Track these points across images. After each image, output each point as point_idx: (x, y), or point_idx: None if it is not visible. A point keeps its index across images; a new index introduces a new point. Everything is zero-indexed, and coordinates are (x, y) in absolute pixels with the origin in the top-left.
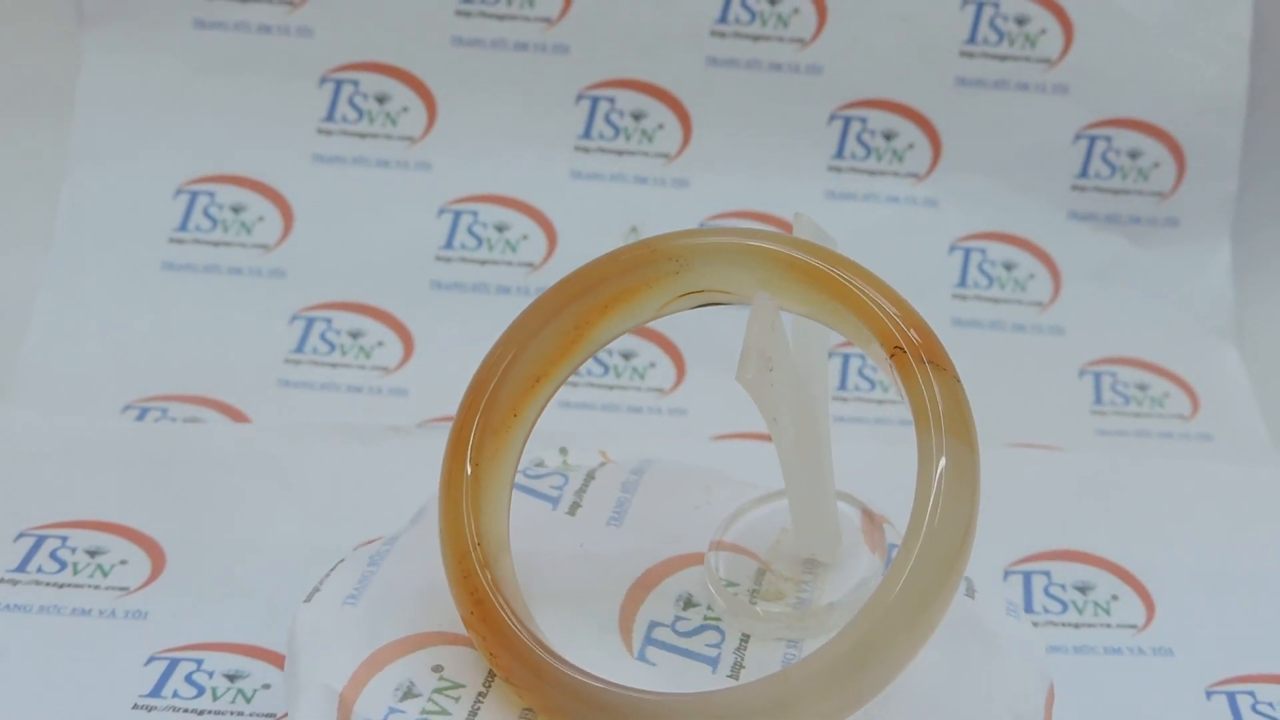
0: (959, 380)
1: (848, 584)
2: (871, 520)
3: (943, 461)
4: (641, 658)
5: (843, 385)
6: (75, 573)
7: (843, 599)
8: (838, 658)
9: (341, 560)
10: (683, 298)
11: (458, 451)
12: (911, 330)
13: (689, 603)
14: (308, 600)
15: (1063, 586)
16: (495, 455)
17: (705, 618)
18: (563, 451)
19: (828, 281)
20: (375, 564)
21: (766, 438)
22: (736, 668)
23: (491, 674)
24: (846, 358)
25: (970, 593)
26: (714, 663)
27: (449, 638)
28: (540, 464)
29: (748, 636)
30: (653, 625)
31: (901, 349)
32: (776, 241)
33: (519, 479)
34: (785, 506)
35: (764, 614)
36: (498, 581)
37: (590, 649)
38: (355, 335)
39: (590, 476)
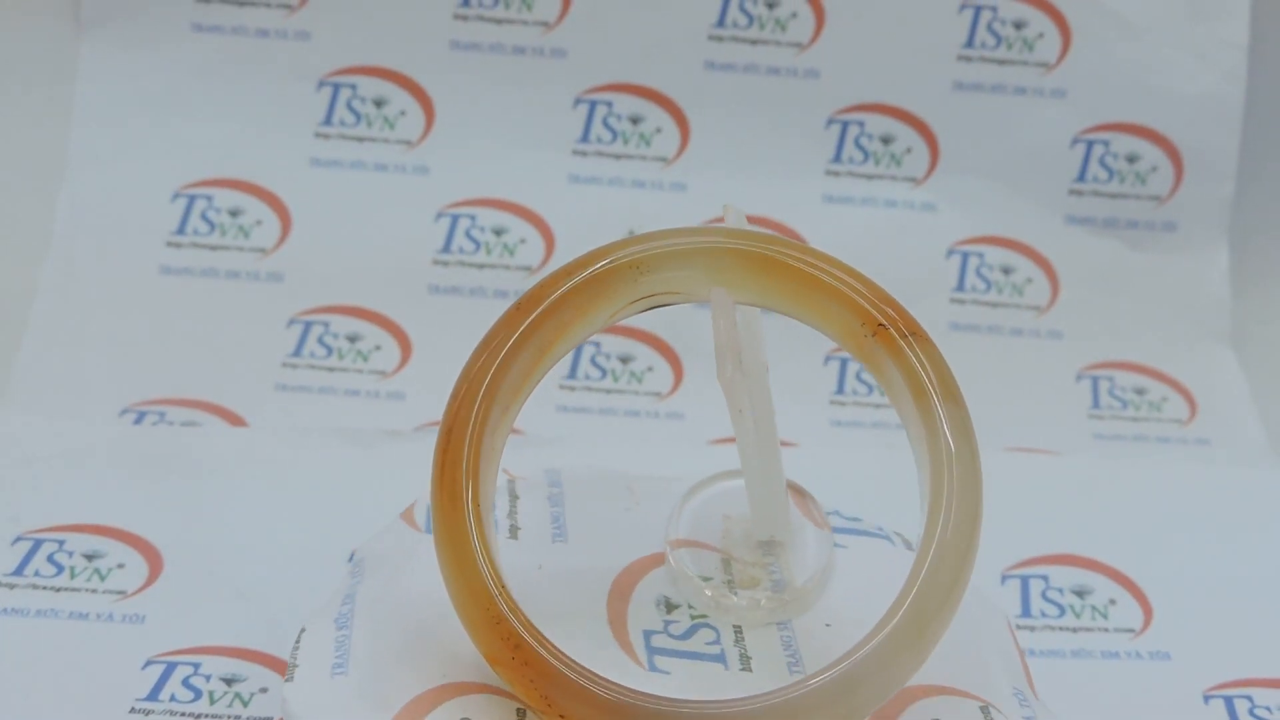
0: (936, 345)
1: (810, 560)
2: (801, 495)
3: (950, 446)
4: (654, 668)
5: (840, 390)
6: (72, 576)
7: (815, 575)
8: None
9: (303, 630)
10: (634, 303)
11: (454, 496)
12: (887, 307)
13: (670, 605)
14: (289, 679)
15: (1060, 590)
16: (485, 492)
17: (693, 617)
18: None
19: (792, 271)
20: (344, 626)
21: None
22: (745, 659)
23: (521, 712)
24: (844, 362)
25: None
26: (722, 660)
27: (462, 688)
28: None
29: (739, 627)
30: (648, 634)
31: (884, 325)
32: (730, 237)
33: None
34: (716, 495)
35: (749, 602)
36: (530, 621)
37: (604, 669)
38: (353, 339)
39: (514, 496)
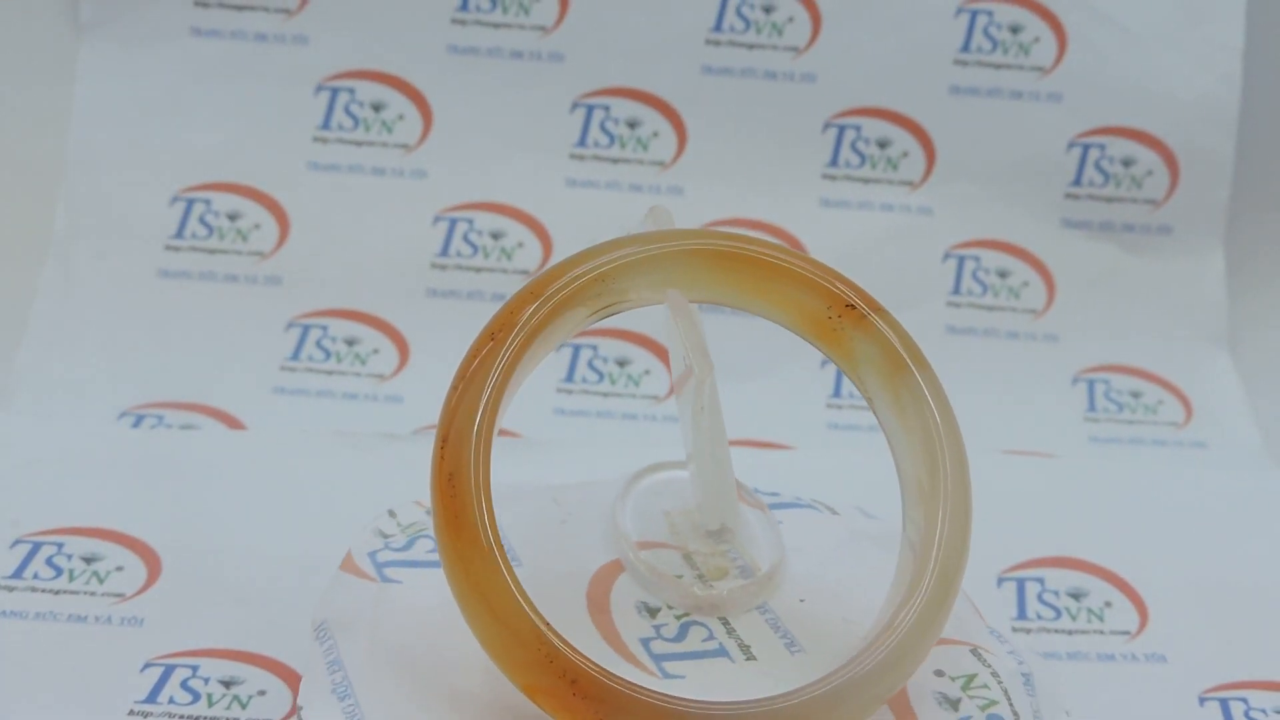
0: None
1: (761, 540)
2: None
3: (936, 418)
4: (667, 674)
5: (837, 393)
6: (71, 579)
7: (775, 554)
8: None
9: (300, 708)
10: (595, 314)
11: (474, 542)
12: (848, 287)
13: (651, 609)
14: None
15: (1056, 593)
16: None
17: (677, 617)
18: (392, 514)
19: (751, 263)
20: (347, 696)
21: (761, 444)
22: (745, 649)
23: None
24: None
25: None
26: (725, 654)
27: None
28: (384, 533)
29: (724, 619)
30: (645, 642)
31: (852, 305)
32: (684, 238)
33: (386, 556)
34: (647, 492)
35: (728, 593)
36: (580, 650)
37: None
38: (351, 342)
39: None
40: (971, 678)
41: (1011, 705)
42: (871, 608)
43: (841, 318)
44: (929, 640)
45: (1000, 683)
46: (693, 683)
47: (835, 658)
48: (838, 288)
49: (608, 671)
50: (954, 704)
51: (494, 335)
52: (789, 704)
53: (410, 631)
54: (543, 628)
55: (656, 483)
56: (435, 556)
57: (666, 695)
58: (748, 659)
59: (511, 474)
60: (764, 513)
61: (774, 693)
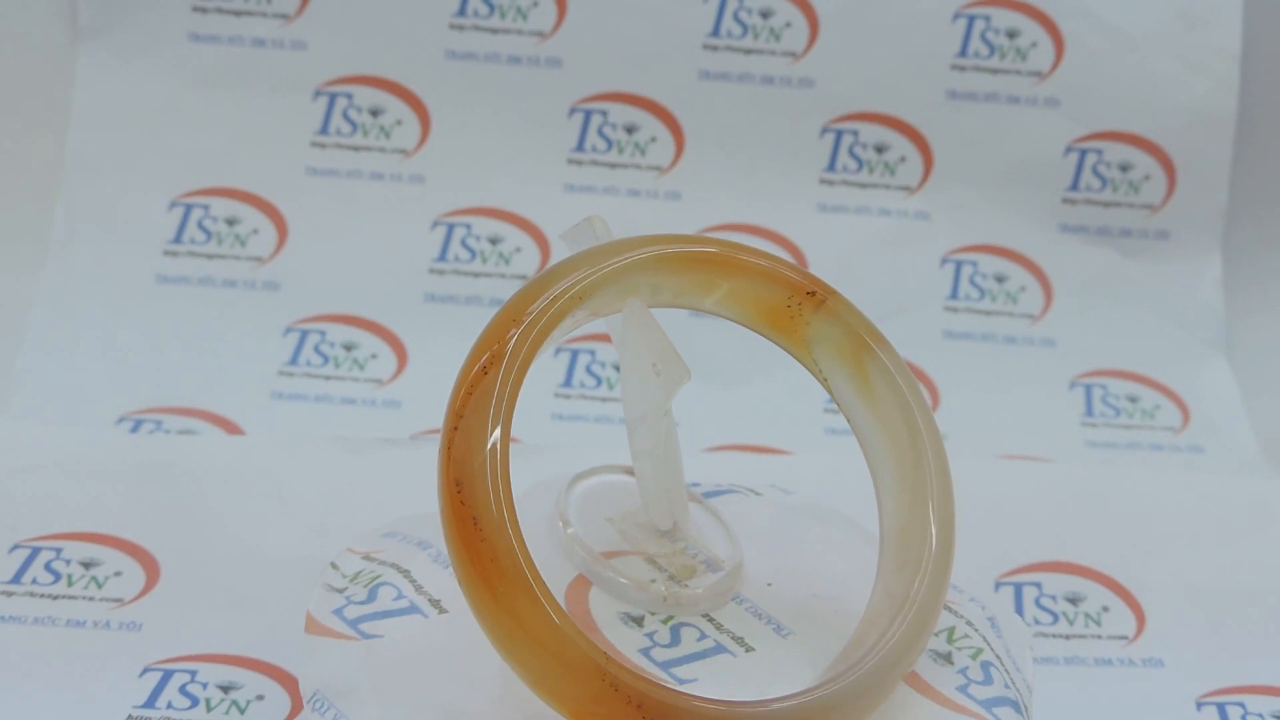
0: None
1: (711, 532)
2: None
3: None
4: (681, 680)
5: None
6: (70, 584)
7: (737, 546)
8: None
9: None
10: (572, 329)
11: (516, 579)
12: (804, 276)
13: (634, 619)
14: None
15: (1054, 598)
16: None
17: (663, 621)
18: (334, 567)
19: (710, 262)
20: None
21: (759, 449)
22: (740, 641)
23: None
24: None
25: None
26: (725, 650)
27: None
28: (335, 588)
29: (707, 615)
30: (644, 652)
31: (814, 291)
32: (645, 245)
33: (354, 611)
34: (581, 501)
35: (706, 590)
36: (641, 672)
37: None
38: (349, 348)
39: (399, 569)
40: (951, 630)
41: (993, 650)
42: (833, 580)
43: (801, 305)
44: (938, 609)
45: (977, 630)
46: (708, 683)
47: (825, 634)
48: (796, 276)
49: (670, 689)
50: (947, 658)
51: (487, 369)
52: (842, 686)
53: (420, 685)
54: (601, 659)
55: (586, 492)
56: (403, 603)
57: (729, 702)
58: (747, 650)
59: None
60: (701, 504)
61: (785, 679)
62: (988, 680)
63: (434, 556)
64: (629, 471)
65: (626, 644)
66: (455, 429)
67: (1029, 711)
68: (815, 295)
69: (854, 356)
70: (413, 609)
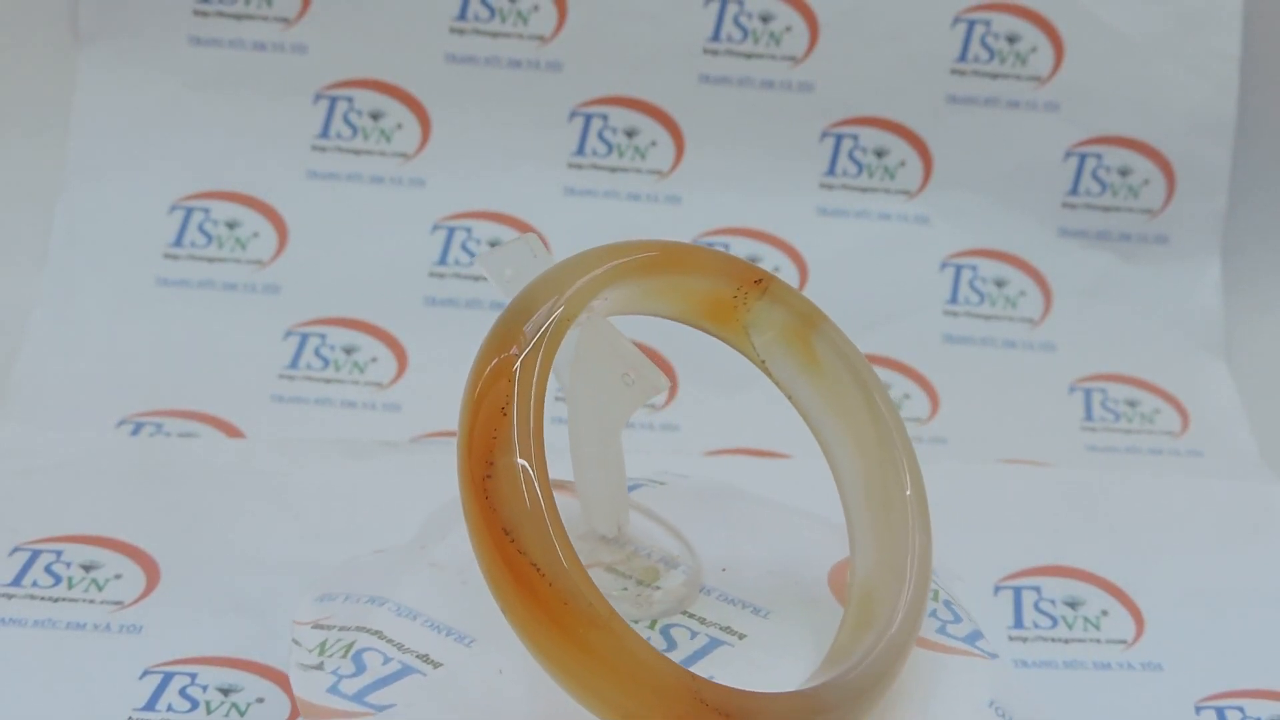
0: None
1: (650, 528)
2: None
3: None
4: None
5: None
6: (70, 587)
7: (685, 539)
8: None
9: None
10: None
11: (588, 615)
12: (747, 266)
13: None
14: None
15: (1053, 602)
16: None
17: (650, 626)
18: (297, 643)
19: (658, 265)
20: None
21: (758, 453)
22: (729, 631)
23: None
24: None
25: None
26: (720, 643)
27: None
28: (312, 666)
29: (688, 613)
30: None
31: (761, 280)
32: (605, 258)
33: (351, 685)
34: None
35: (676, 590)
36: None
37: None
38: (349, 351)
39: (368, 630)
40: None
41: (945, 590)
42: (779, 555)
43: (747, 294)
44: (931, 557)
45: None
46: (726, 678)
47: (801, 608)
48: (741, 267)
49: (744, 693)
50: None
51: (505, 410)
52: (883, 648)
53: None
54: (687, 678)
55: None
56: (394, 666)
57: (788, 693)
58: (740, 638)
59: None
60: (632, 503)
61: (790, 657)
62: (957, 619)
63: (395, 610)
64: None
65: None
66: (488, 477)
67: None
68: (761, 283)
69: (799, 335)
70: (407, 670)
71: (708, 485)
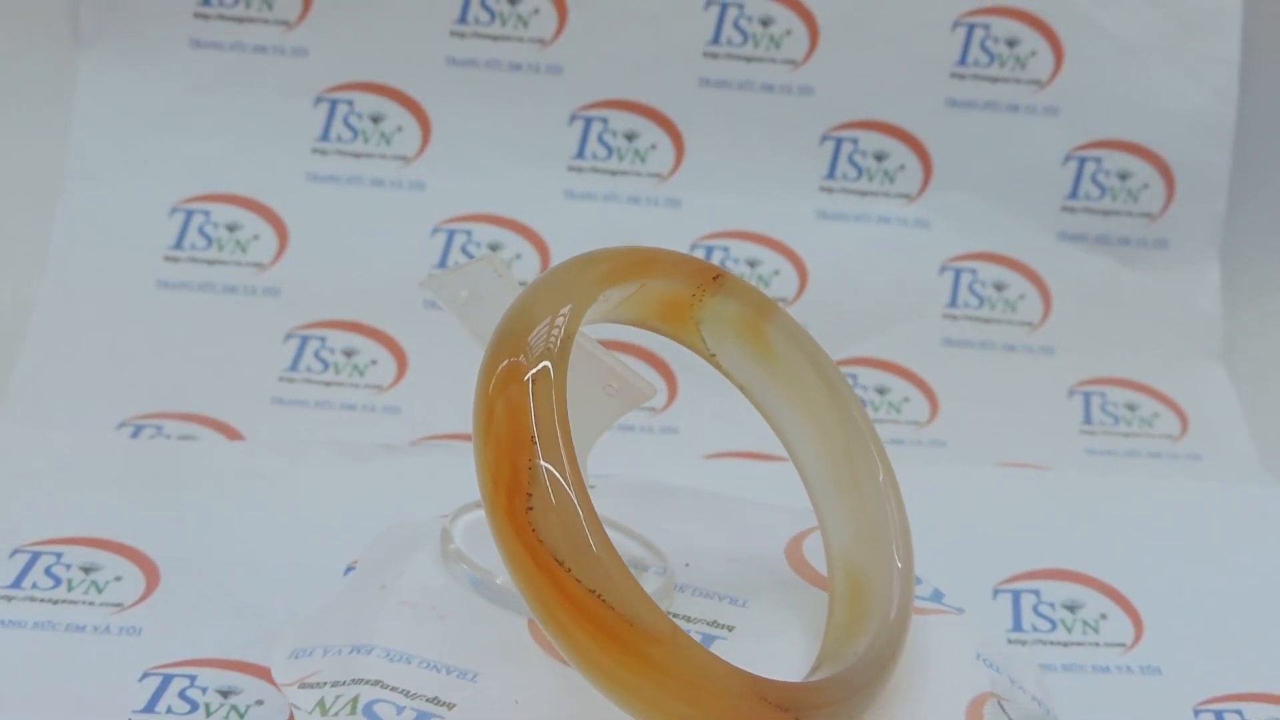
0: None
1: (616, 537)
2: None
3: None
4: None
5: None
6: (70, 589)
7: (644, 539)
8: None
9: None
10: None
11: (662, 630)
12: (702, 262)
13: None
14: None
15: (1052, 605)
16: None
17: None
18: (297, 708)
19: (627, 271)
20: None
21: (757, 455)
22: (717, 625)
23: None
24: None
25: None
26: (712, 638)
27: None
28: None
29: (671, 611)
30: None
31: (719, 276)
32: (587, 266)
33: None
34: (468, 550)
35: (655, 593)
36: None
37: None
38: (349, 354)
39: (366, 681)
40: None
41: None
42: (732, 541)
43: (704, 289)
44: (912, 548)
45: None
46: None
47: (773, 591)
48: (700, 264)
49: (794, 684)
50: None
51: (536, 440)
52: (894, 620)
53: None
54: (749, 679)
55: (468, 540)
56: (408, 716)
57: (825, 679)
58: (729, 630)
59: None
60: None
61: (785, 644)
62: (918, 580)
63: (385, 656)
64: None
65: None
66: (530, 509)
67: None
68: (719, 279)
69: (751, 326)
70: (425, 716)
71: (635, 483)
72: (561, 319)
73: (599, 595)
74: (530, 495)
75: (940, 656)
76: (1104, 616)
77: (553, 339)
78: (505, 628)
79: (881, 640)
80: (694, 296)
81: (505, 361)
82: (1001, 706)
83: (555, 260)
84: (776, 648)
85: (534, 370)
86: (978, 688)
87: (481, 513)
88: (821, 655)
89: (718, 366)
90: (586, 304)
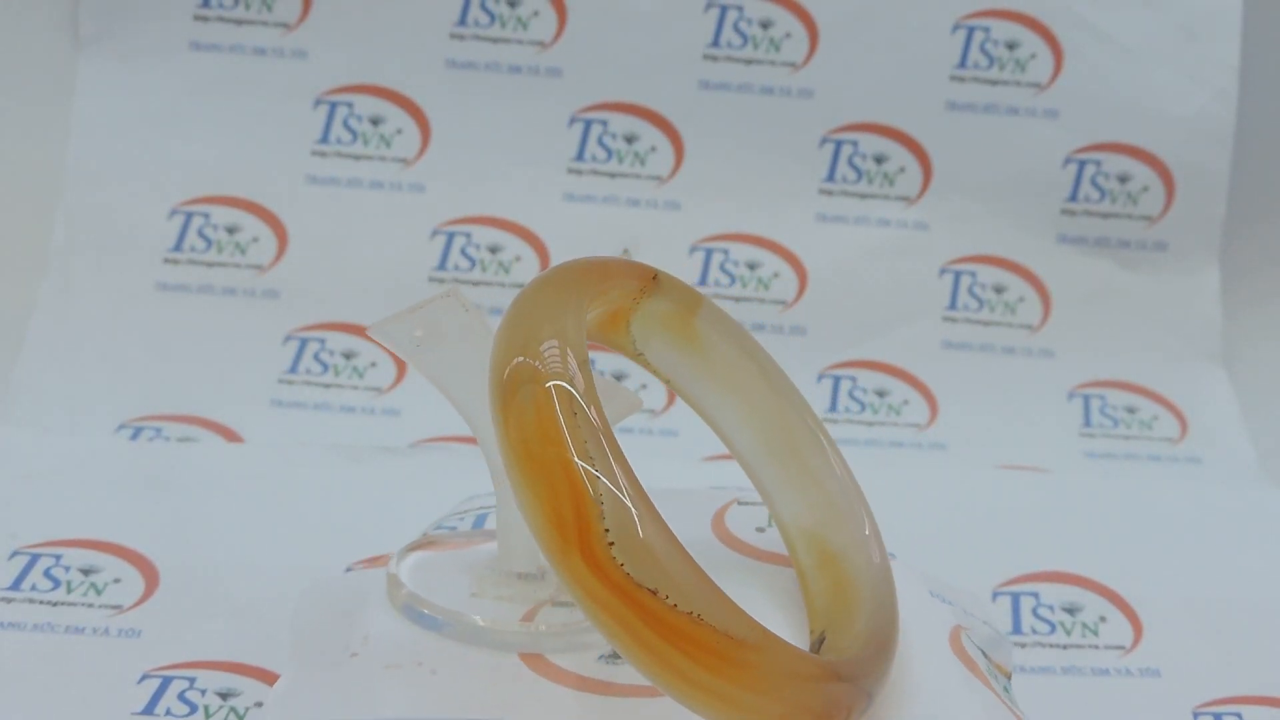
0: None
1: None
2: None
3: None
4: None
5: (833, 407)
6: (69, 591)
7: None
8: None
9: None
10: None
11: (765, 638)
12: (640, 265)
13: (607, 657)
14: None
15: (1051, 608)
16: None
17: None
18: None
19: (588, 283)
20: None
21: None
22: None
23: None
24: (837, 379)
25: None
26: None
27: None
28: None
29: None
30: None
31: (656, 275)
32: (574, 278)
33: None
34: (422, 591)
35: None
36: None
37: None
38: (348, 356)
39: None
40: None
41: None
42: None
43: (645, 292)
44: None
45: None
46: None
47: (725, 571)
48: (639, 270)
49: (838, 660)
50: None
51: (596, 469)
52: (883, 593)
53: None
54: (824, 663)
55: (415, 581)
56: None
57: (862, 646)
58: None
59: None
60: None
61: (769, 622)
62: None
63: (370, 687)
64: (428, 542)
65: (631, 680)
66: (611, 544)
67: None
68: (656, 279)
69: (679, 320)
70: None
71: None
72: (566, 345)
73: (704, 619)
74: (608, 530)
75: (903, 602)
76: (1103, 619)
77: (570, 365)
78: (502, 669)
79: (882, 594)
80: (634, 301)
81: (528, 390)
82: (967, 636)
83: (555, 262)
84: (774, 628)
85: (567, 399)
86: (946, 623)
87: (422, 553)
88: (818, 624)
89: (645, 365)
90: (581, 323)
